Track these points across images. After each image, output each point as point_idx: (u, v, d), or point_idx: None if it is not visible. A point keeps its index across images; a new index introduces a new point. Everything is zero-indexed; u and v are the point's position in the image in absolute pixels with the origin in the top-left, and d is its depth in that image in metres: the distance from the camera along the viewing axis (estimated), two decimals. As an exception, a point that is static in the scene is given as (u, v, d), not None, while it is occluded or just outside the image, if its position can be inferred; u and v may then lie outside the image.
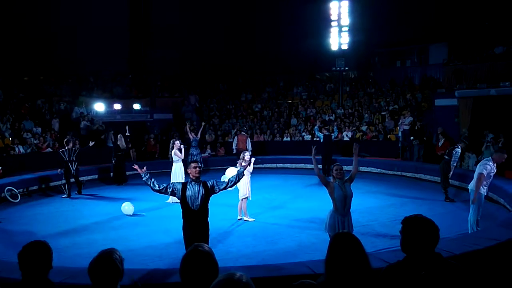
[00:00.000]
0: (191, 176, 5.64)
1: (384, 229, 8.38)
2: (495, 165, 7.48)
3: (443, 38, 20.73)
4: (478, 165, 7.75)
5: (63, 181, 12.81)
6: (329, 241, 2.65)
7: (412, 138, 15.62)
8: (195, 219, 5.58)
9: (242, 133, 17.15)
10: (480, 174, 7.40)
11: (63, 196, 12.56)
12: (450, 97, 15.78)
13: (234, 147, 16.82)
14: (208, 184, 5.65)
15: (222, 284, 1.73)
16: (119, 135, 14.78)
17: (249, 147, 16.46)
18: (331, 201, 5.93)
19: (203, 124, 16.59)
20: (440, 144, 13.88)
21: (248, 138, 17.03)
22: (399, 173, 14.67)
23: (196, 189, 5.53)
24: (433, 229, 2.56)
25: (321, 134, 15.60)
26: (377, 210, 10.04)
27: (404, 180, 14.19)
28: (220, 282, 1.75)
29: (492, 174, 7.47)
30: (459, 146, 10.91)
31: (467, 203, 8.63)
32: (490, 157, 7.64)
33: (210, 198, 5.66)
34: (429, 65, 21.62)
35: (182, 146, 12.10)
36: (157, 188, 5.61)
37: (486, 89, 14.78)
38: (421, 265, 2.48)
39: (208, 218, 5.69)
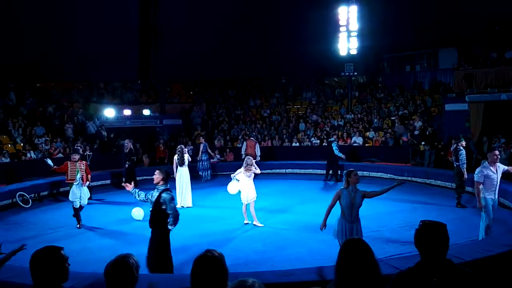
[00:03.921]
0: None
1: (394, 235, 8.32)
2: (496, 167, 7.21)
3: (453, 43, 20.60)
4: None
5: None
6: (339, 247, 2.65)
7: (423, 143, 15.52)
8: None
9: (251, 138, 17.17)
10: (476, 182, 7.25)
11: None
12: (460, 102, 15.68)
13: (243, 152, 16.83)
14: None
15: None
16: (127, 140, 14.81)
17: (258, 152, 16.48)
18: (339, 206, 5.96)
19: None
20: (452, 148, 13.77)
21: (257, 143, 17.04)
22: (409, 178, 14.56)
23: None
24: (446, 235, 2.56)
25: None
26: (387, 216, 9.96)
27: (414, 185, 14.08)
28: None
29: (494, 177, 7.16)
30: (460, 147, 10.72)
31: (479, 209, 8.52)
32: (485, 161, 7.40)
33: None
34: (439, 70, 21.49)
35: (187, 150, 12.39)
36: (143, 198, 6.28)
37: (497, 93, 14.67)
38: (433, 271, 2.46)
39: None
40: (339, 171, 15.30)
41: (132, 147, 14.75)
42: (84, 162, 10.29)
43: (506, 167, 7.44)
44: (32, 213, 11.37)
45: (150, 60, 23.83)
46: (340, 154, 15.21)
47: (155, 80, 22.83)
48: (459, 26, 18.96)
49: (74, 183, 9.75)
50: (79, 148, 12.21)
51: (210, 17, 23.56)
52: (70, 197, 9.75)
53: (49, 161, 10.97)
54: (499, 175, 7.24)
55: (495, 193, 7.26)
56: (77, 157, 10.20)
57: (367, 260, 2.46)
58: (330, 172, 15.66)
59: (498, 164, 7.30)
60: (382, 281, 2.46)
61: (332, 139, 15.94)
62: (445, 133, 16.10)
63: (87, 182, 10.14)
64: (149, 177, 16.04)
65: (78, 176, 9.76)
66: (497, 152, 7.31)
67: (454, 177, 11.12)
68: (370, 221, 9.24)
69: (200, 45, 23.37)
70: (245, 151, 16.59)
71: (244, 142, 17.18)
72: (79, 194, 9.65)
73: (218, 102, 23.78)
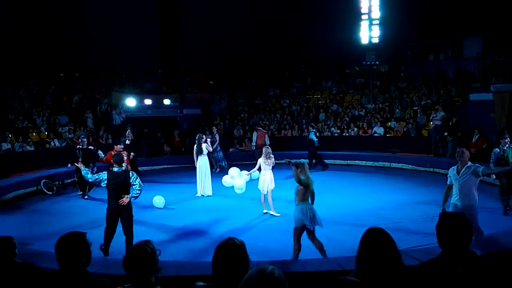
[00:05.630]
0: None
1: (415, 226, 8.20)
2: (464, 168, 6.05)
3: (478, 31, 20.04)
4: None
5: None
6: (360, 237, 2.62)
7: (446, 134, 15.18)
8: None
9: (259, 128, 17.01)
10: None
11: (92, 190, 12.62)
12: (485, 92, 15.28)
13: (253, 143, 16.72)
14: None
15: (254, 279, 1.73)
16: (128, 131, 14.49)
17: (267, 142, 16.36)
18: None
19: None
20: (473, 140, 13.46)
21: (267, 134, 16.91)
22: (431, 169, 14.31)
23: None
24: (468, 226, 2.51)
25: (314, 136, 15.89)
26: (408, 207, 9.83)
27: (436, 176, 13.83)
28: (252, 276, 1.75)
29: (455, 178, 6.11)
30: (505, 145, 9.35)
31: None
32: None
33: None
34: (463, 59, 20.96)
35: (208, 139, 12.39)
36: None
37: (524, 83, 14.27)
38: (456, 263, 2.43)
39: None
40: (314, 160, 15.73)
41: (133, 137, 14.17)
42: (125, 152, 10.20)
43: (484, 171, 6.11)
44: (56, 200, 11.63)
45: (171, 50, 24.02)
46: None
47: (175, 70, 23.00)
48: (485, 13, 18.45)
49: None
50: (82, 140, 12.00)
51: (230, 7, 23.52)
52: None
53: (100, 153, 11.05)
54: (470, 177, 6.03)
55: (458, 198, 6.12)
56: (120, 147, 10.12)
57: (388, 249, 2.44)
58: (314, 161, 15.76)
59: (475, 166, 6.06)
60: (404, 270, 2.43)
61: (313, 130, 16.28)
62: (469, 124, 15.73)
63: None
64: (169, 166, 16.45)
65: (123, 166, 9.74)
66: (461, 151, 6.21)
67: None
68: (391, 212, 9.18)
69: (220, 36, 23.40)
70: (256, 141, 16.49)
71: (254, 132, 17.03)
72: None
73: (237, 92, 23.78)
